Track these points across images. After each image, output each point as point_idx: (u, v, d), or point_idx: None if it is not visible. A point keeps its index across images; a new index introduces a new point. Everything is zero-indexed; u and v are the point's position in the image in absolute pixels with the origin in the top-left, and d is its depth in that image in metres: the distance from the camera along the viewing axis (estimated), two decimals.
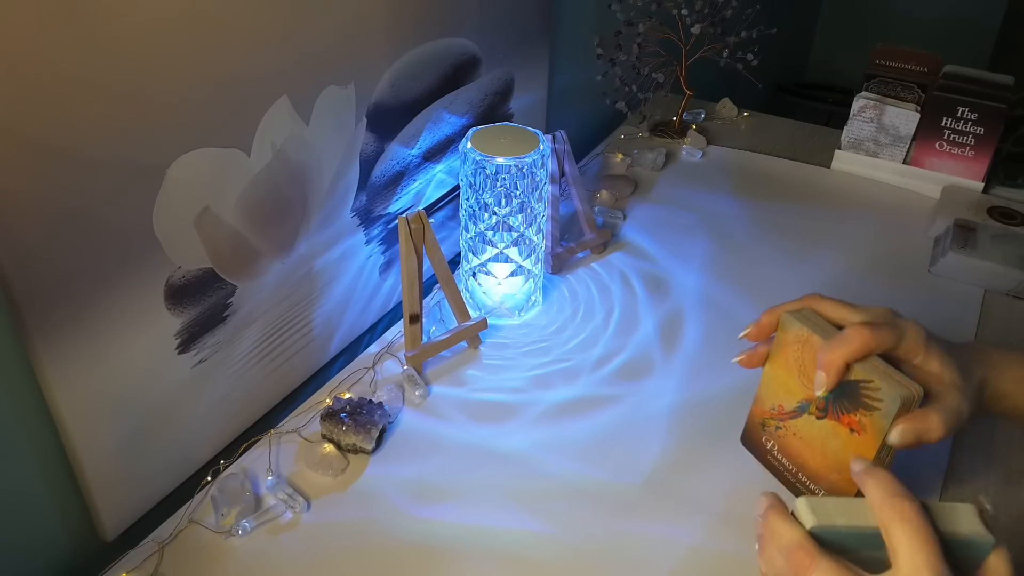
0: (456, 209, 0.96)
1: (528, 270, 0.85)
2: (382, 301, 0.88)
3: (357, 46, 0.73)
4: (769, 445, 0.63)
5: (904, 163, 1.13)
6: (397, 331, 0.83)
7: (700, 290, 0.91)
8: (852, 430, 0.57)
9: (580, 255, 0.96)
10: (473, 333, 0.82)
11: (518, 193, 0.79)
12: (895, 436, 0.55)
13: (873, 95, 1.12)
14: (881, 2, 2.56)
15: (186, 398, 0.66)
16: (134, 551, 0.62)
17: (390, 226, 0.86)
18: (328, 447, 0.70)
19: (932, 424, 0.54)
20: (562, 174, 0.92)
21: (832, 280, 0.94)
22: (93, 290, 0.56)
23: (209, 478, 0.68)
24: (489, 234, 0.82)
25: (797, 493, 0.62)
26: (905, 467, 0.70)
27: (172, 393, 0.65)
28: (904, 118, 1.10)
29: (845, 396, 0.57)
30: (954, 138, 1.08)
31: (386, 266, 0.87)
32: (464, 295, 0.85)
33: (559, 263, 0.93)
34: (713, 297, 0.90)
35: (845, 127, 1.15)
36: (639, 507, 0.66)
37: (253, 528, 0.63)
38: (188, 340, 0.65)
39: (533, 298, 0.87)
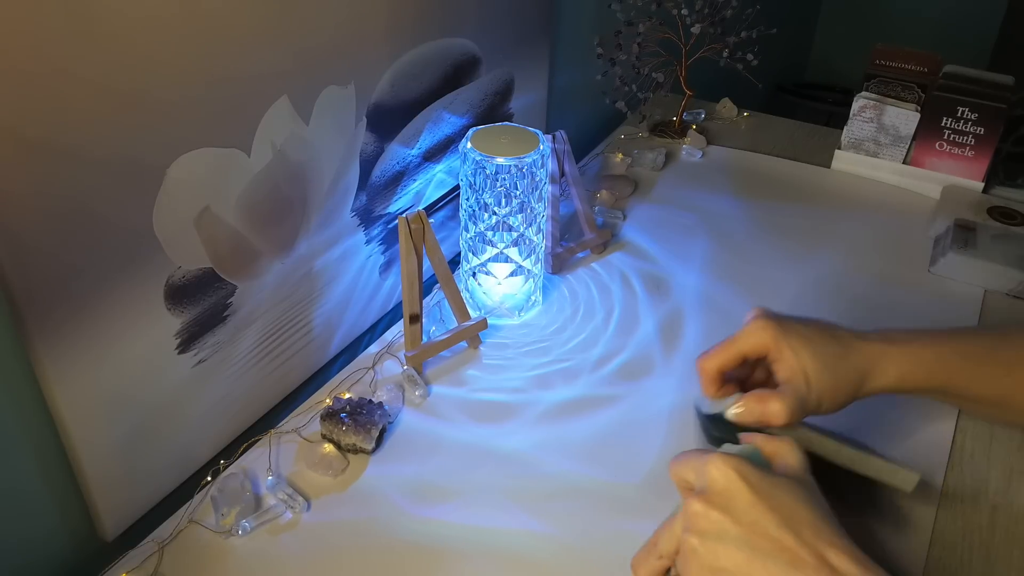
0: (456, 209, 0.96)
1: (528, 270, 0.85)
2: (382, 301, 0.88)
3: (357, 46, 0.73)
4: None
5: (904, 163, 1.13)
6: (397, 331, 0.83)
7: (700, 290, 0.91)
8: None
9: (580, 255, 0.96)
10: (473, 333, 0.82)
11: (518, 193, 0.79)
12: (731, 412, 0.60)
13: (873, 95, 1.12)
14: (881, 2, 2.56)
15: (186, 398, 0.66)
16: (134, 551, 0.62)
17: (390, 226, 0.86)
18: (328, 447, 0.70)
19: (773, 405, 0.59)
20: (562, 174, 0.92)
21: (832, 280, 0.94)
22: (93, 290, 0.56)
23: (209, 478, 0.68)
24: (489, 234, 0.82)
25: None
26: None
27: (172, 393, 0.65)
28: (904, 118, 1.10)
29: None
30: (954, 138, 1.08)
31: (386, 266, 0.87)
32: (464, 295, 0.85)
33: (559, 263, 0.93)
34: (713, 297, 0.90)
35: (845, 127, 1.15)
36: (639, 507, 0.66)
37: (253, 528, 0.63)
38: (188, 340, 0.65)
39: (533, 298, 0.87)
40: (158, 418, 0.64)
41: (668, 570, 0.53)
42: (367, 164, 0.79)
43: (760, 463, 0.53)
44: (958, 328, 0.66)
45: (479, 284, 0.86)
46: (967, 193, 1.07)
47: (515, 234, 0.82)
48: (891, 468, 0.62)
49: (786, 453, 0.54)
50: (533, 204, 0.81)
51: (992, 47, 2.33)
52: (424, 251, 0.77)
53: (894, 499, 0.67)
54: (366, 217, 0.81)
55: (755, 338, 0.62)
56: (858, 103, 1.12)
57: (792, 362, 0.60)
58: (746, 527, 0.48)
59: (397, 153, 0.83)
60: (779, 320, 0.62)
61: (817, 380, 0.60)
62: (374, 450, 0.70)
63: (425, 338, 0.81)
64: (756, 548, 0.47)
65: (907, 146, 1.12)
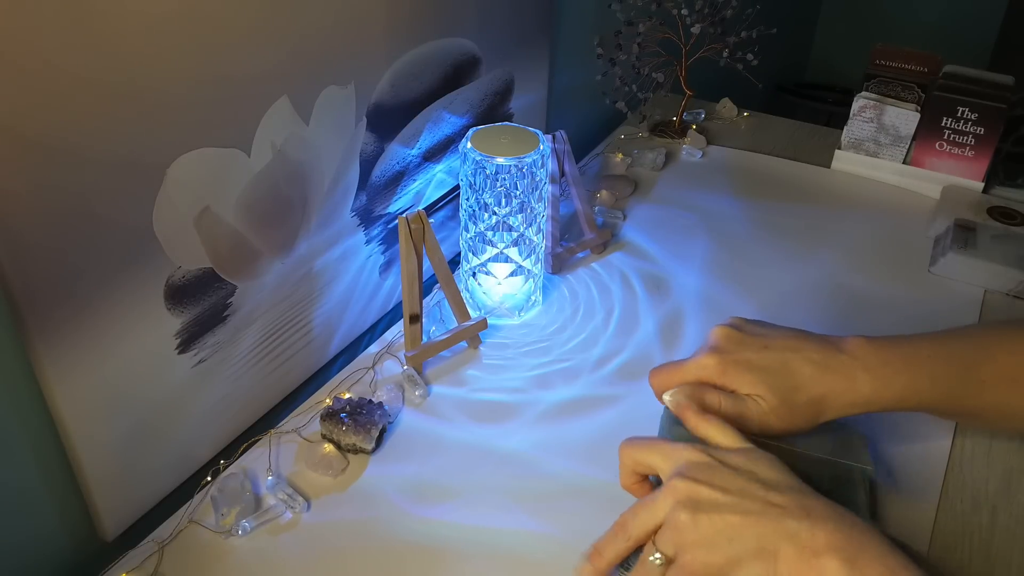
0: (456, 209, 0.96)
1: (528, 270, 0.85)
2: (382, 301, 0.88)
3: (357, 46, 0.73)
4: None
5: (904, 163, 1.13)
6: (397, 331, 0.83)
7: (700, 290, 0.91)
8: None
9: (580, 255, 0.96)
10: (473, 333, 0.82)
11: (518, 193, 0.79)
12: (666, 398, 0.63)
13: (873, 95, 1.12)
14: (881, 2, 2.56)
15: (186, 398, 0.66)
16: (134, 551, 0.62)
17: (390, 226, 0.86)
18: (328, 447, 0.70)
19: (710, 397, 0.62)
20: (562, 174, 0.92)
21: (832, 280, 0.94)
22: (94, 290, 0.56)
23: (209, 478, 0.68)
24: (489, 234, 0.82)
25: None
26: (906, 467, 0.70)
27: (172, 393, 0.65)
28: (904, 118, 1.10)
29: None
30: (954, 138, 1.08)
31: (386, 266, 0.87)
32: (464, 295, 0.85)
33: (559, 263, 0.93)
34: (713, 297, 0.90)
35: (845, 127, 1.15)
36: None
37: (253, 528, 0.63)
38: (188, 340, 0.65)
39: (533, 298, 0.87)
40: (158, 418, 0.64)
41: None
42: (367, 164, 0.79)
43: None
44: (941, 341, 0.64)
45: (479, 284, 0.86)
46: (967, 193, 1.07)
47: (515, 234, 0.82)
48: (846, 464, 0.63)
49: (719, 436, 0.58)
50: (533, 204, 0.81)
51: (992, 47, 2.33)
52: (424, 251, 0.77)
53: (894, 499, 0.67)
54: (366, 217, 0.81)
55: (701, 374, 0.63)
56: (858, 103, 1.12)
57: (743, 391, 0.62)
58: (735, 494, 0.52)
59: (397, 153, 0.83)
60: (731, 355, 0.63)
61: (770, 407, 0.61)
62: (374, 450, 0.70)
63: (425, 338, 0.81)
64: (748, 510, 0.51)
65: (907, 146, 1.12)
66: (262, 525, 0.64)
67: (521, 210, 0.80)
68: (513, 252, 0.83)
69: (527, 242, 0.83)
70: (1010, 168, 1.12)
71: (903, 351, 0.63)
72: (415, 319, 0.78)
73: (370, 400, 0.72)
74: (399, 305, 0.89)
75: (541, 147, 0.80)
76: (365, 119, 0.77)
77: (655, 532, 0.54)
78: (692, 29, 1.14)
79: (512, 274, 0.84)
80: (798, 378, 0.62)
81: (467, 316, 0.82)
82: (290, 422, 0.73)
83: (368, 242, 0.83)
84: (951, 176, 1.10)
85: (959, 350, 0.64)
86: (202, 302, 0.65)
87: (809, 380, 0.62)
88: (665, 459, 0.56)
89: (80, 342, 0.56)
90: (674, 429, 0.65)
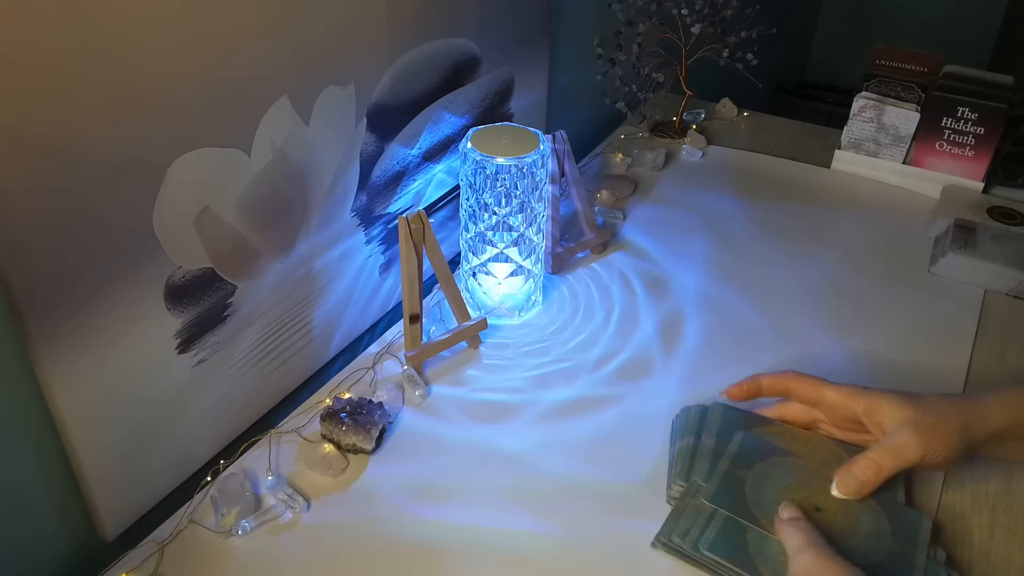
0: (456, 209, 0.96)
1: (528, 270, 0.85)
2: (382, 301, 0.88)
3: (357, 46, 0.73)
4: None
5: (904, 163, 1.13)
6: (397, 331, 0.83)
7: (700, 290, 0.91)
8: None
9: (580, 255, 0.96)
10: (473, 333, 0.82)
11: (518, 193, 0.79)
12: (834, 490, 0.62)
13: (873, 95, 1.12)
14: (881, 2, 2.56)
15: (186, 398, 0.66)
16: (134, 551, 0.62)
17: (390, 226, 0.86)
18: (328, 447, 0.70)
19: (876, 461, 0.61)
20: (562, 174, 0.92)
21: (832, 280, 0.94)
22: (93, 290, 0.56)
23: (209, 478, 0.68)
24: (489, 234, 0.82)
25: None
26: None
27: (172, 393, 0.65)
28: (904, 118, 1.10)
29: None
30: (954, 138, 1.08)
31: (386, 266, 0.87)
32: (464, 295, 0.85)
33: (559, 263, 0.93)
34: (713, 297, 0.90)
35: (845, 127, 1.15)
36: (639, 507, 0.66)
37: (253, 528, 0.63)
38: (188, 340, 0.65)
39: (533, 298, 0.87)
40: (158, 418, 0.64)
41: None
42: (367, 164, 0.79)
43: None
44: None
45: (479, 284, 0.86)
46: (967, 193, 1.07)
47: (515, 234, 0.82)
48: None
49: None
50: (533, 204, 0.81)
51: (992, 47, 2.33)
52: (424, 251, 0.77)
53: (894, 498, 0.67)
54: (366, 217, 0.81)
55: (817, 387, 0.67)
56: (858, 103, 1.12)
57: (844, 403, 0.65)
58: None
59: (397, 153, 0.83)
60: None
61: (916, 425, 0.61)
62: (374, 450, 0.70)
63: (425, 338, 0.81)
64: None
65: (907, 146, 1.12)
66: (262, 525, 0.64)
67: (521, 210, 0.80)
68: (513, 252, 0.83)
69: (527, 242, 0.83)
70: (1010, 168, 1.12)
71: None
72: (415, 319, 0.78)
73: (370, 400, 0.72)
74: (399, 305, 0.89)
75: (541, 147, 0.80)
76: (365, 119, 0.77)
77: None
78: (692, 29, 1.14)
79: (512, 274, 0.84)
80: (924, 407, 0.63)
81: (467, 316, 0.82)
82: (290, 422, 0.73)
83: (368, 242, 0.83)
84: (951, 176, 1.10)
85: None
86: (202, 302, 0.65)
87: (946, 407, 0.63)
88: None
89: (80, 342, 0.56)
90: (685, 430, 0.66)
